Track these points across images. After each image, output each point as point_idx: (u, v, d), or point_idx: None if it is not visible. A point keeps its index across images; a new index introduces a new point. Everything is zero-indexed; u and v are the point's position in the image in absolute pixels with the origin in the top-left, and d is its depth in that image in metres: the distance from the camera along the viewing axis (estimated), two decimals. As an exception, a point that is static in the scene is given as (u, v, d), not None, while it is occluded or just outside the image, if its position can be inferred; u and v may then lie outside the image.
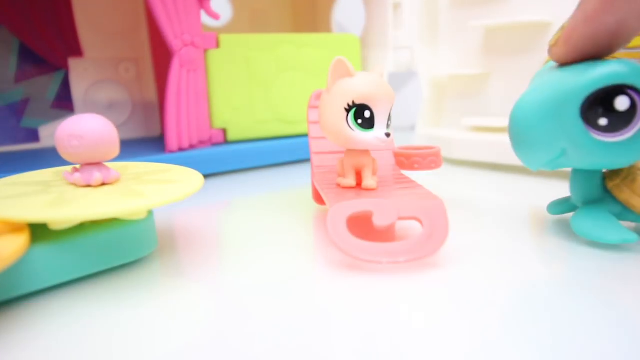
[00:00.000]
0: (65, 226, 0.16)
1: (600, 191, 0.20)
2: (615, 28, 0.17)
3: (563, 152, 0.18)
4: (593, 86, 0.17)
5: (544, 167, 0.19)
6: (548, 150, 0.18)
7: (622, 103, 0.16)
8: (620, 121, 0.17)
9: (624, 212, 0.20)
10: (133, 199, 0.17)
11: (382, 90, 0.20)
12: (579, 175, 0.20)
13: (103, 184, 0.19)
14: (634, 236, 0.18)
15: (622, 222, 0.20)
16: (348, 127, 0.20)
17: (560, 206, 0.22)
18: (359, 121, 0.20)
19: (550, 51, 0.19)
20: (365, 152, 0.22)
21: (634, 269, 0.17)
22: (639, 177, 0.19)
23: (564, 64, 0.19)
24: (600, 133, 0.17)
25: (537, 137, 0.19)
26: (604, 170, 0.20)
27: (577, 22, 0.17)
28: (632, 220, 0.20)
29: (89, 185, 0.19)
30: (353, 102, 0.20)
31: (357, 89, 0.20)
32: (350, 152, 0.22)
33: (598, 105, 0.17)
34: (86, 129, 0.18)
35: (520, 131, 0.20)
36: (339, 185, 0.22)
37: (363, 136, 0.20)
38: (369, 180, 0.21)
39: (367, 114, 0.20)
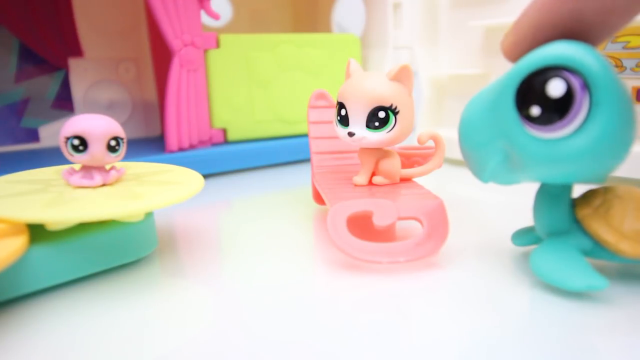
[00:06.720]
0: (61, 227, 0.16)
1: (568, 221, 0.16)
2: (567, 19, 0.15)
3: (505, 156, 0.15)
4: (527, 69, 0.14)
5: (494, 179, 0.17)
6: (489, 152, 0.16)
7: (555, 88, 0.13)
8: (555, 111, 0.14)
9: (596, 248, 0.16)
10: (131, 201, 0.17)
11: (357, 91, 0.20)
12: (543, 200, 0.17)
13: (103, 185, 0.19)
14: (602, 281, 0.15)
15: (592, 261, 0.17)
16: (336, 122, 0.21)
17: (525, 236, 0.19)
18: (339, 117, 0.21)
19: (501, 47, 0.17)
20: (374, 150, 0.22)
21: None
22: (615, 206, 0.15)
23: (515, 59, 0.16)
24: (534, 126, 0.14)
25: (477, 137, 0.16)
26: (575, 197, 0.17)
27: (528, 11, 0.16)
28: (605, 259, 0.16)
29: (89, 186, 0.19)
30: (338, 100, 0.21)
31: (341, 88, 0.21)
32: (362, 149, 0.22)
33: (533, 93, 0.14)
34: (121, 129, 0.19)
35: (463, 133, 0.17)
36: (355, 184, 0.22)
37: (339, 132, 0.21)
38: (376, 178, 0.22)
39: (342, 112, 0.21)
